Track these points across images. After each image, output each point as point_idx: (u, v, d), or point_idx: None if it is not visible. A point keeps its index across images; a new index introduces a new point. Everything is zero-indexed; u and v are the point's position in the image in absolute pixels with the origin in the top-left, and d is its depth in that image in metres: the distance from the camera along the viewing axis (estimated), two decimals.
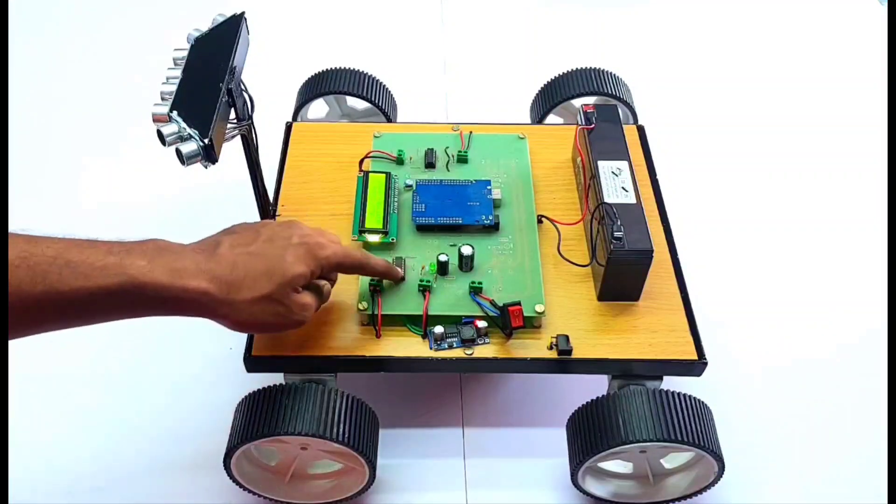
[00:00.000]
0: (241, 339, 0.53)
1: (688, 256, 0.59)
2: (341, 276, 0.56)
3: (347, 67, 0.74)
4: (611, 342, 0.53)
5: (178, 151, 0.46)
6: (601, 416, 0.52)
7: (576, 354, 0.52)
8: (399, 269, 0.53)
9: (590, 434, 0.51)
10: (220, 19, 0.54)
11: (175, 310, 0.42)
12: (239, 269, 0.43)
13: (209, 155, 0.47)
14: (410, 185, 0.61)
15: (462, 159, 0.64)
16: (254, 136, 0.58)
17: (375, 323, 0.52)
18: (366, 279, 0.54)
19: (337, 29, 1.05)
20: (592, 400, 0.53)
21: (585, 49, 1.00)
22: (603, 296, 0.55)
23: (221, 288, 0.42)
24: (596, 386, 0.55)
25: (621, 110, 0.67)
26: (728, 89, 0.97)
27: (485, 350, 0.52)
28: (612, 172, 0.57)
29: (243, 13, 0.54)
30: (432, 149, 0.64)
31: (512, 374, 0.64)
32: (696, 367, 0.52)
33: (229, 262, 0.43)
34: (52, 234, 0.39)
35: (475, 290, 0.53)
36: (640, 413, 0.50)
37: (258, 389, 0.52)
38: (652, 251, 0.52)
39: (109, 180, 0.82)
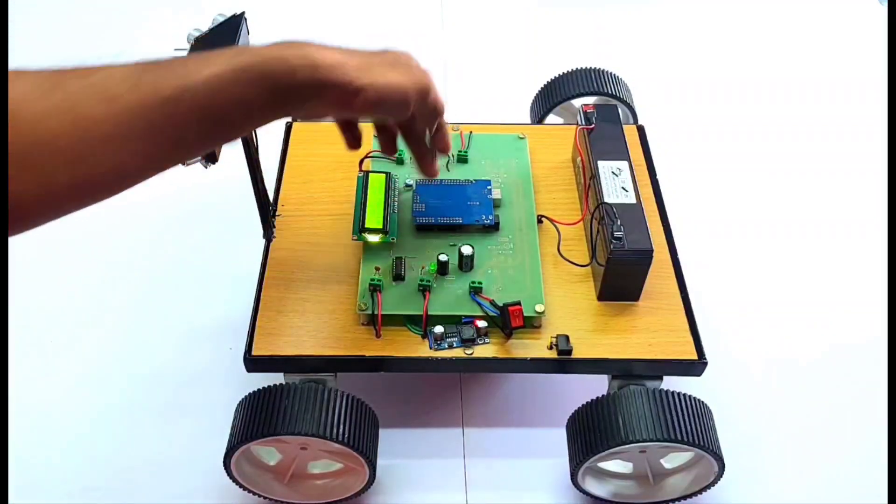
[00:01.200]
0: (241, 338, 0.53)
1: (688, 256, 0.59)
2: (341, 275, 0.56)
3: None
4: (611, 342, 0.53)
5: None
6: (601, 416, 0.52)
7: (576, 354, 0.52)
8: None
9: (590, 434, 0.51)
10: (220, 19, 0.54)
11: (302, 88, 0.38)
12: (348, 49, 0.41)
13: (209, 155, 0.47)
14: (410, 185, 0.61)
15: (462, 159, 0.64)
16: (254, 136, 0.58)
17: (375, 323, 0.52)
18: (366, 279, 0.54)
19: (336, 29, 1.05)
20: (592, 400, 0.53)
21: (585, 49, 1.00)
22: (603, 296, 0.55)
23: (343, 54, 0.39)
24: (596, 386, 0.55)
25: (621, 110, 0.67)
26: (728, 89, 0.97)
27: (485, 350, 0.52)
28: (612, 172, 0.57)
29: (243, 13, 0.54)
30: None
31: (512, 374, 0.64)
32: (696, 367, 0.52)
33: (347, 49, 0.41)
34: None
35: (475, 290, 0.53)
36: (640, 413, 0.50)
37: (258, 389, 0.52)
38: (652, 251, 0.52)
39: None
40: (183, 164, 0.39)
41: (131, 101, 0.33)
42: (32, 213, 0.32)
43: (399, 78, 0.42)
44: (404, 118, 0.45)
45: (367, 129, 0.67)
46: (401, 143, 0.64)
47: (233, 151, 0.57)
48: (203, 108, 0.35)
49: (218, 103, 0.35)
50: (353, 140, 0.51)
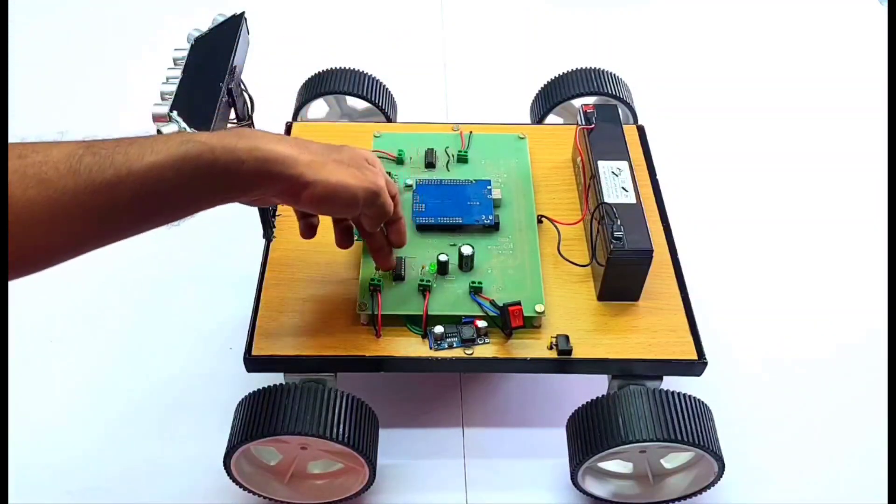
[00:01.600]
0: (241, 338, 0.53)
1: (688, 256, 0.59)
2: (341, 275, 0.56)
3: (347, 67, 0.74)
4: (611, 342, 0.53)
5: None
6: (601, 416, 0.52)
7: (576, 354, 0.52)
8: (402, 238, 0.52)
9: (590, 434, 0.51)
10: (220, 19, 0.54)
11: (250, 178, 0.39)
12: (302, 141, 0.43)
13: None
14: (410, 185, 0.61)
15: (462, 159, 0.64)
16: None
17: (375, 323, 0.52)
18: (366, 279, 0.54)
19: (337, 29, 1.05)
20: (592, 400, 0.53)
21: (585, 49, 1.00)
22: (603, 296, 0.55)
23: (293, 148, 0.40)
24: (596, 386, 0.55)
25: (621, 110, 0.67)
26: (728, 89, 0.97)
27: (485, 350, 0.52)
28: (612, 172, 0.57)
29: (243, 13, 0.54)
30: (432, 149, 0.64)
31: (512, 374, 0.64)
32: (696, 367, 0.52)
33: (293, 138, 0.42)
34: None
35: (475, 290, 0.53)
36: (640, 413, 0.50)
37: (258, 389, 0.52)
38: (652, 251, 0.52)
39: None
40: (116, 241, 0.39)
41: (67, 185, 0.33)
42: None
43: (349, 179, 0.43)
44: (351, 216, 0.47)
45: (367, 130, 0.67)
46: (401, 143, 0.64)
47: None
48: (143, 195, 0.35)
49: (159, 190, 0.36)
50: (307, 230, 0.52)
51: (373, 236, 0.51)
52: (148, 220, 0.37)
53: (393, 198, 0.48)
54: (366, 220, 0.48)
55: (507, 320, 0.51)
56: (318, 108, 0.76)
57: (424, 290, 0.53)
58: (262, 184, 0.40)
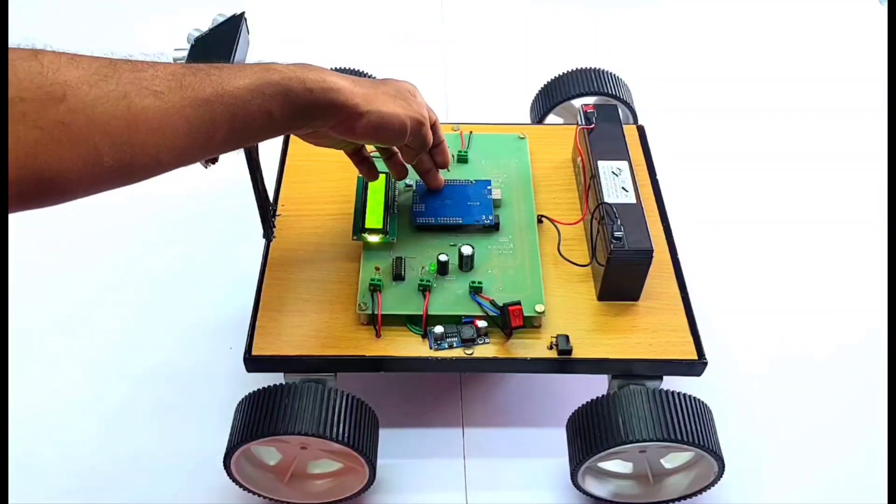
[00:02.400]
0: (241, 338, 0.53)
1: (688, 256, 0.59)
2: (341, 275, 0.56)
3: (347, 67, 0.74)
4: (611, 342, 0.53)
5: None
6: (601, 416, 0.52)
7: (576, 354, 0.52)
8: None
9: (590, 434, 0.51)
10: (220, 19, 0.54)
11: (317, 106, 0.44)
12: (364, 81, 0.48)
13: None
14: (410, 185, 0.61)
15: (462, 159, 0.64)
16: None
17: (375, 323, 0.52)
18: (366, 279, 0.54)
19: (337, 29, 1.05)
20: (592, 400, 0.53)
21: (585, 49, 1.00)
22: (603, 296, 0.55)
23: (349, 82, 0.46)
24: (596, 386, 0.55)
25: (621, 110, 0.67)
26: (728, 89, 0.97)
27: (485, 350, 0.52)
28: (612, 172, 0.57)
29: (243, 13, 0.54)
30: None
31: (512, 374, 0.64)
32: (696, 367, 0.52)
33: (355, 77, 0.47)
34: None
35: (475, 290, 0.53)
36: (639, 413, 0.50)
37: (258, 389, 0.52)
38: (652, 251, 0.52)
39: None
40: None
41: (175, 98, 0.36)
42: (72, 187, 0.34)
43: (398, 109, 0.48)
44: (399, 144, 0.52)
45: None
46: None
47: (233, 152, 0.57)
48: (233, 114, 0.39)
49: (246, 111, 0.40)
50: (369, 172, 0.57)
51: (420, 160, 0.56)
52: (236, 140, 0.41)
53: (434, 125, 0.53)
54: (407, 151, 0.53)
55: (508, 320, 0.51)
56: None
57: (424, 290, 0.53)
58: (326, 110, 0.45)
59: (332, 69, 0.47)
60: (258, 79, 0.40)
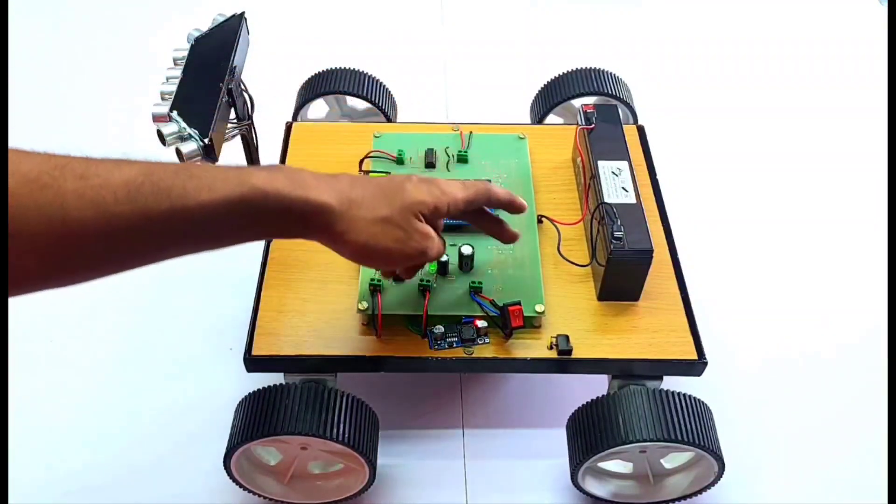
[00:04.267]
0: (241, 338, 0.53)
1: (688, 256, 0.59)
2: (341, 275, 0.56)
3: (347, 67, 0.74)
4: (611, 342, 0.53)
5: (178, 151, 0.46)
6: (601, 416, 0.52)
7: (576, 354, 0.52)
8: (521, 201, 0.50)
9: (590, 434, 0.51)
10: (220, 19, 0.54)
11: (296, 225, 0.40)
12: (358, 189, 0.42)
13: (209, 155, 0.47)
14: None
15: (462, 159, 0.64)
16: (254, 136, 0.58)
17: (375, 323, 0.52)
18: (366, 279, 0.54)
19: (337, 29, 1.05)
20: (592, 400, 0.53)
21: (585, 49, 1.00)
22: (603, 296, 0.55)
23: (342, 202, 0.40)
24: (596, 386, 0.55)
25: (621, 110, 0.67)
26: (728, 89, 0.97)
27: (485, 350, 0.52)
28: (612, 172, 0.57)
29: (243, 13, 0.54)
30: (432, 149, 0.64)
31: (512, 374, 0.64)
32: (696, 367, 0.52)
33: (349, 183, 0.42)
34: None
35: (475, 290, 0.53)
36: (640, 413, 0.50)
37: (258, 389, 0.52)
38: (652, 251, 0.52)
39: None
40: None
41: (123, 211, 0.33)
42: (26, 284, 0.32)
43: (390, 243, 0.42)
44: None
45: (367, 130, 0.67)
46: (401, 143, 0.64)
47: (233, 151, 0.57)
48: (193, 228, 0.36)
49: (208, 226, 0.36)
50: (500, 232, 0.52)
51: (482, 225, 0.51)
52: (192, 249, 0.38)
53: (489, 197, 0.48)
54: (403, 272, 0.50)
55: (508, 320, 0.51)
56: (318, 108, 0.76)
57: (424, 290, 0.53)
58: (306, 232, 0.41)
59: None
60: (229, 194, 0.36)
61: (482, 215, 0.50)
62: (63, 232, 0.32)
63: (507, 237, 0.51)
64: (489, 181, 0.60)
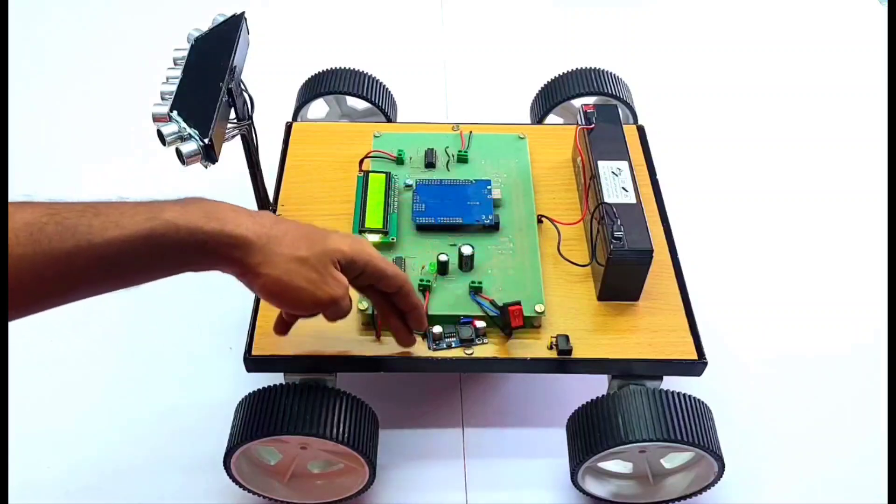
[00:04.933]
0: (241, 338, 0.53)
1: (688, 256, 0.59)
2: None
3: (347, 67, 0.74)
4: (611, 342, 0.53)
5: (177, 151, 0.46)
6: (601, 416, 0.52)
7: (576, 354, 0.52)
8: (425, 323, 0.50)
9: (590, 434, 0.51)
10: (220, 19, 0.54)
11: (209, 258, 0.39)
12: (281, 227, 0.42)
13: (209, 155, 0.47)
14: (410, 185, 0.61)
15: (462, 159, 0.64)
16: (254, 136, 0.58)
17: (375, 323, 0.52)
18: None
19: (337, 29, 1.05)
20: (592, 400, 0.53)
21: (585, 49, 1.00)
22: (603, 296, 0.55)
23: (261, 236, 0.40)
24: (596, 386, 0.55)
25: (621, 110, 0.67)
26: (728, 89, 0.97)
27: (485, 350, 0.52)
28: (612, 172, 0.57)
29: (243, 13, 0.54)
30: (432, 149, 0.64)
31: (512, 374, 0.64)
32: (696, 367, 0.52)
33: (271, 221, 0.42)
34: None
35: (475, 290, 0.53)
36: (639, 413, 0.50)
37: (258, 389, 0.52)
38: (652, 251, 0.52)
39: (108, 180, 0.82)
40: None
41: (26, 252, 0.33)
42: None
43: (303, 283, 0.42)
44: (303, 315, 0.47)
45: (367, 130, 0.67)
46: (401, 143, 0.64)
47: (233, 151, 0.57)
48: (101, 265, 0.35)
49: (118, 262, 0.36)
50: (280, 325, 0.50)
51: (385, 317, 0.50)
52: (102, 289, 0.37)
53: (402, 286, 0.47)
54: (325, 315, 0.47)
55: (508, 320, 0.51)
56: (318, 108, 0.76)
57: (424, 290, 0.53)
58: (220, 265, 0.40)
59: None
60: (138, 229, 0.36)
61: (387, 303, 0.48)
62: None
63: (402, 336, 0.50)
64: (489, 182, 0.61)
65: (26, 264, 0.33)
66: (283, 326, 0.50)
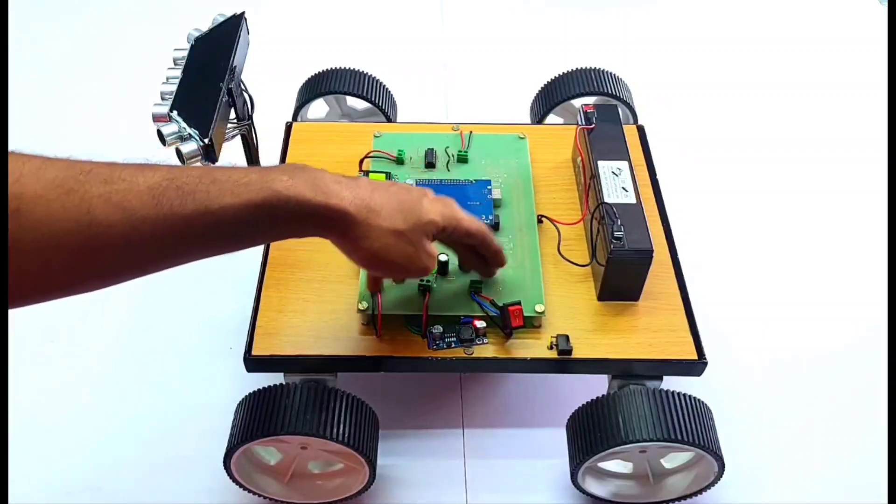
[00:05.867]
0: (241, 338, 0.53)
1: (688, 256, 0.59)
2: (341, 275, 0.56)
3: (347, 67, 0.74)
4: (611, 342, 0.53)
5: (178, 151, 0.46)
6: (601, 416, 0.52)
7: (576, 354, 0.52)
8: (505, 259, 0.52)
9: (590, 434, 0.51)
10: (220, 19, 0.54)
11: (314, 228, 0.41)
12: (377, 197, 0.43)
13: (209, 155, 0.47)
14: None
15: (462, 159, 0.64)
16: (254, 136, 0.58)
17: (375, 323, 0.52)
18: (366, 279, 0.54)
19: (337, 29, 1.05)
20: (592, 400, 0.53)
21: (585, 49, 1.00)
22: (603, 296, 0.55)
23: (361, 210, 0.41)
24: (596, 386, 0.55)
25: (621, 110, 0.67)
26: (728, 89, 0.97)
27: (485, 350, 0.52)
28: (612, 172, 0.57)
29: (243, 13, 0.54)
30: (432, 149, 0.64)
31: (512, 374, 0.64)
32: (696, 367, 0.52)
33: (369, 190, 0.43)
34: None
35: (475, 290, 0.53)
36: (640, 413, 0.50)
37: (258, 389, 0.52)
38: (652, 251, 0.52)
39: None
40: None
41: (149, 215, 0.34)
42: (27, 293, 0.33)
43: (398, 258, 0.44)
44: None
45: (367, 130, 0.67)
46: (401, 143, 0.64)
47: (233, 151, 0.57)
48: (214, 231, 0.37)
49: (230, 229, 0.37)
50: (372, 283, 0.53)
51: (467, 262, 0.53)
52: (212, 252, 0.39)
53: (484, 239, 0.49)
54: (396, 280, 0.52)
55: (508, 320, 0.51)
56: (318, 108, 0.76)
57: (425, 290, 0.53)
58: (322, 234, 0.42)
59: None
60: (252, 198, 0.37)
61: (468, 250, 0.51)
62: (90, 237, 0.32)
63: (483, 271, 0.53)
64: (489, 182, 0.61)
65: (148, 227, 0.34)
66: (375, 285, 0.52)
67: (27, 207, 0.31)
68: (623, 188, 0.56)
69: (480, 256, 0.51)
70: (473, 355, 0.52)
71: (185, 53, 0.52)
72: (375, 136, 0.65)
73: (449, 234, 0.47)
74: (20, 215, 0.31)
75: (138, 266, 0.36)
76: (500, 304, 0.52)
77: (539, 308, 0.53)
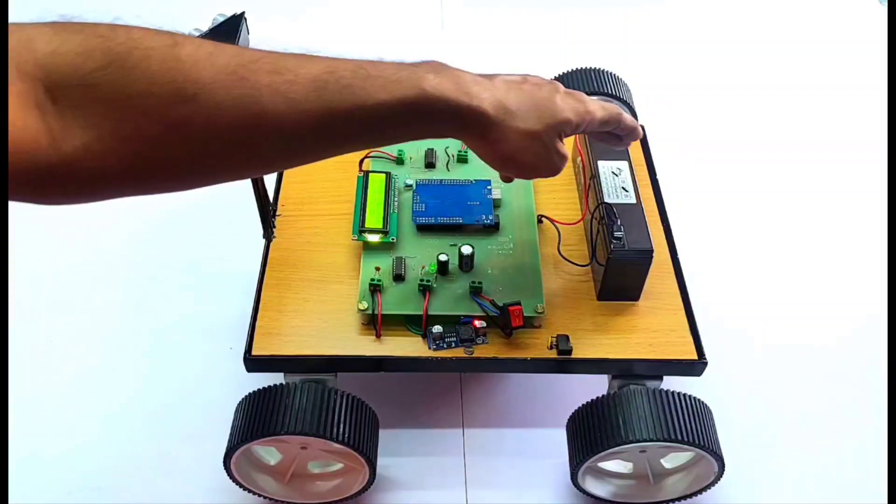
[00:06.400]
0: (241, 338, 0.53)
1: (688, 256, 0.59)
2: (341, 275, 0.56)
3: None
4: (611, 342, 0.53)
5: None
6: (601, 416, 0.52)
7: (576, 354, 0.52)
8: (640, 131, 0.50)
9: (590, 434, 0.51)
10: (220, 19, 0.54)
11: (455, 128, 0.41)
12: (513, 96, 0.43)
13: None
14: (410, 185, 0.61)
15: (462, 159, 0.64)
16: None
17: (375, 323, 0.52)
18: (366, 279, 0.54)
19: (337, 29, 1.05)
20: (592, 400, 0.53)
21: (585, 49, 1.00)
22: (603, 296, 0.55)
23: (498, 110, 0.42)
24: (596, 386, 0.55)
25: None
26: (728, 89, 0.97)
27: (485, 350, 0.52)
28: (612, 172, 0.57)
29: (243, 13, 0.54)
30: (432, 148, 0.64)
31: (512, 374, 0.64)
32: (696, 367, 0.52)
33: (504, 88, 0.43)
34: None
35: (475, 290, 0.53)
36: (640, 413, 0.50)
37: (258, 389, 0.52)
38: (652, 251, 0.52)
39: None
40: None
41: (312, 108, 0.35)
42: (172, 183, 0.34)
43: (533, 159, 0.44)
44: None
45: None
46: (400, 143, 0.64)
47: None
48: (367, 126, 0.37)
49: (382, 125, 0.38)
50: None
51: (602, 139, 0.51)
52: (364, 145, 0.40)
53: (619, 122, 0.48)
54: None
55: (508, 320, 0.51)
56: None
57: (425, 290, 0.53)
58: (460, 134, 0.42)
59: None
60: (403, 95, 0.38)
61: (604, 133, 0.50)
62: (256, 126, 0.33)
63: (623, 145, 0.52)
64: (489, 182, 0.61)
65: (310, 118, 0.35)
66: (508, 178, 0.52)
67: (204, 94, 0.31)
68: (623, 188, 0.56)
69: (615, 135, 0.50)
70: (473, 355, 0.52)
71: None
72: None
73: (584, 130, 0.46)
74: (196, 101, 0.31)
75: (290, 157, 0.37)
76: (500, 304, 0.52)
77: (539, 308, 0.53)
